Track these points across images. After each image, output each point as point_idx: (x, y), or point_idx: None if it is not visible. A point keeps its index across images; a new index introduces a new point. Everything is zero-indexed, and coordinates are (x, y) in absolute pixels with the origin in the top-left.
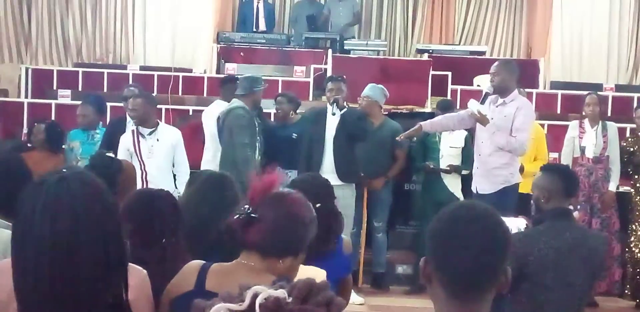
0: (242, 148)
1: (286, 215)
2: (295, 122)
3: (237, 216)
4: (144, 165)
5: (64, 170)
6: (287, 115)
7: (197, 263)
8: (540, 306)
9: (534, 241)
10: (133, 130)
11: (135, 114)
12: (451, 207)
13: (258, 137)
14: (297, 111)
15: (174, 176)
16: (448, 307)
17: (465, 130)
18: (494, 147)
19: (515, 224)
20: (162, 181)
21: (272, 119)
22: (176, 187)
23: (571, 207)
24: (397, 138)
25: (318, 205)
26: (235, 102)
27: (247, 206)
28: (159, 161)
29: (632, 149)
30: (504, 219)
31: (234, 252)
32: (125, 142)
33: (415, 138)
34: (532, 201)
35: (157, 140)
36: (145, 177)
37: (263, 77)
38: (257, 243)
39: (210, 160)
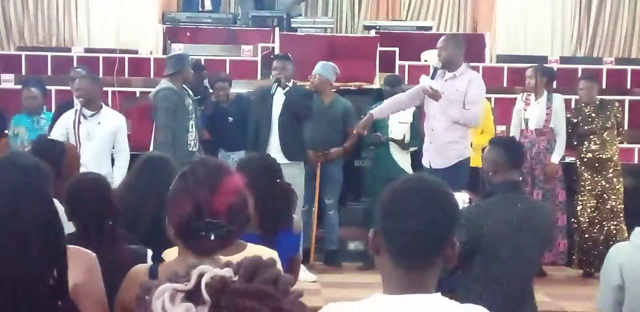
0: (162, 130)
1: (248, 213)
2: (231, 102)
3: (210, 233)
4: (79, 147)
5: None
6: (228, 97)
7: (143, 268)
8: (493, 278)
9: (487, 214)
10: (76, 110)
11: (80, 94)
12: (400, 180)
13: (191, 117)
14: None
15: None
16: (395, 277)
17: None
18: (449, 122)
19: (460, 197)
20: (96, 164)
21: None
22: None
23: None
24: (354, 131)
25: (278, 181)
26: (163, 83)
27: (215, 221)
28: (97, 144)
29: (575, 121)
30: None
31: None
32: (66, 121)
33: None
34: (482, 174)
35: (99, 123)
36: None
37: (208, 56)
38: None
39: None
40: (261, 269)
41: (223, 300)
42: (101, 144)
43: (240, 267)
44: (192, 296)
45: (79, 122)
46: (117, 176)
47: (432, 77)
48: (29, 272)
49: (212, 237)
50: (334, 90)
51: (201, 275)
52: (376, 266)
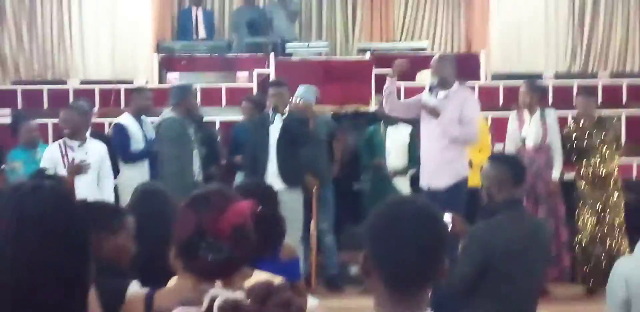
0: (170, 160)
1: (252, 241)
2: None
3: (209, 254)
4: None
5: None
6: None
7: (139, 295)
8: (503, 297)
9: (498, 232)
10: (59, 144)
11: (67, 125)
12: (389, 204)
13: (195, 146)
14: None
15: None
16: (387, 298)
17: (410, 125)
18: (446, 141)
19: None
20: (90, 194)
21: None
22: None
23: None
24: (389, 75)
25: (259, 208)
26: (167, 113)
27: (220, 244)
28: (89, 174)
29: (574, 136)
30: None
31: (167, 268)
32: (52, 155)
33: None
34: (483, 192)
35: (86, 153)
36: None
37: (204, 84)
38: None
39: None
40: (273, 293)
41: None
42: (93, 174)
43: (252, 291)
44: None
45: (67, 154)
46: None
47: (430, 94)
48: (52, 307)
49: (210, 258)
50: (330, 112)
51: (213, 299)
52: (368, 287)
